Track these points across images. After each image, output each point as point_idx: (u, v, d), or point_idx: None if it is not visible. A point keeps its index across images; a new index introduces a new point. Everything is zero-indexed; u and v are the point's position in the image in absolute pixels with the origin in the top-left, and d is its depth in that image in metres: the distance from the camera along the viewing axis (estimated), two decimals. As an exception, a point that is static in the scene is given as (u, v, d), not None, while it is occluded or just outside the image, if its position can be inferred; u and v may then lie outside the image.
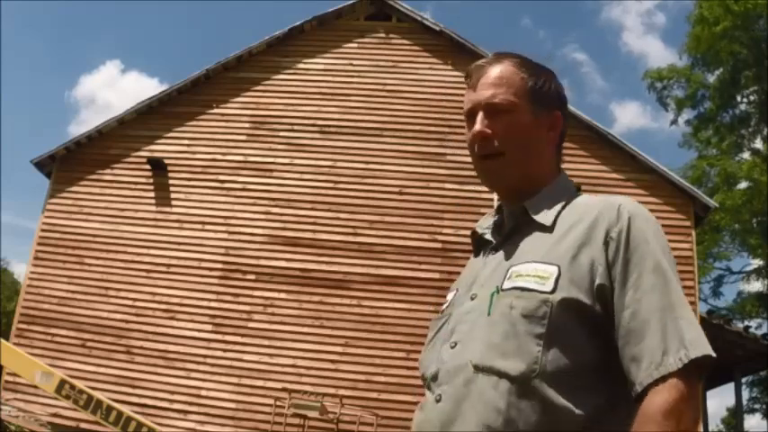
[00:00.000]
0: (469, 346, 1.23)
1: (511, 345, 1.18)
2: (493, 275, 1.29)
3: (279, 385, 8.54)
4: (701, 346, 1.14)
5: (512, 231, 1.34)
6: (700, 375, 1.13)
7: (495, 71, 1.37)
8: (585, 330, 1.18)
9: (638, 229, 1.22)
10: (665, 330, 1.13)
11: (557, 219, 1.30)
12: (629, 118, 62.14)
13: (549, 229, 1.28)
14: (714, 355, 1.15)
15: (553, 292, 1.19)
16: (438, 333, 1.36)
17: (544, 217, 1.30)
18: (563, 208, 1.31)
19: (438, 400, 1.23)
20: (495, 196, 1.60)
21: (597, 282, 1.19)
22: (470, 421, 1.16)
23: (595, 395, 1.15)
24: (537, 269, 1.22)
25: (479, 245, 1.43)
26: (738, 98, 21.58)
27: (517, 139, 1.34)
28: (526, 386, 1.15)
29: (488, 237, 1.40)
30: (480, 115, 1.35)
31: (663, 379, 1.10)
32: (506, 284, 1.23)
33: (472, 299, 1.30)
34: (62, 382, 6.57)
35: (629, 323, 1.15)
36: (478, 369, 1.19)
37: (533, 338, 1.17)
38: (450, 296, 1.43)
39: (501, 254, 1.32)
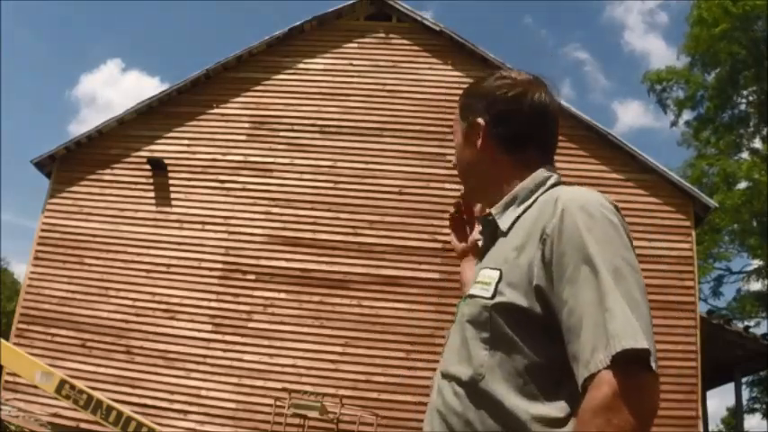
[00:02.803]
0: (444, 355, 1.32)
1: (464, 350, 1.24)
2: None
3: (279, 385, 8.54)
4: (626, 337, 1.06)
5: (489, 238, 1.37)
6: (642, 368, 1.06)
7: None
8: (532, 332, 1.17)
9: (570, 222, 1.18)
10: (596, 325, 1.09)
11: (515, 222, 1.30)
12: (631, 117, 62.18)
13: (505, 233, 1.31)
14: (643, 345, 1.05)
15: (492, 297, 1.21)
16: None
17: (503, 222, 1.33)
18: (525, 209, 1.30)
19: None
20: None
21: (534, 282, 1.18)
22: (439, 425, 1.23)
23: (559, 395, 1.14)
24: (485, 275, 1.26)
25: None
26: (737, 98, 21.60)
27: (458, 158, 1.45)
28: (475, 389, 1.19)
29: (481, 243, 1.45)
30: None
31: (595, 377, 1.06)
32: (469, 292, 1.29)
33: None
34: (62, 382, 6.57)
35: (568, 320, 1.12)
36: (443, 376, 1.27)
37: (480, 343, 1.21)
38: None
39: (483, 261, 1.37)
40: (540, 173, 1.36)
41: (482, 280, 1.26)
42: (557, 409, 1.13)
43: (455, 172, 1.48)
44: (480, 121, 1.39)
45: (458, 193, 1.56)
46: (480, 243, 1.44)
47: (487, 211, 1.37)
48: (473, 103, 1.42)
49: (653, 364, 1.06)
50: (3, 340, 6.91)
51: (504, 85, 1.39)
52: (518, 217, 1.31)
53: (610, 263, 1.12)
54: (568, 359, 1.13)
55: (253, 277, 9.46)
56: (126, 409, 6.76)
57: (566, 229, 1.17)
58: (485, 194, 1.42)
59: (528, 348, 1.17)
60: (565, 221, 1.18)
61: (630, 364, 1.05)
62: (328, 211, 9.68)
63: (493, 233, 1.35)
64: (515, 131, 1.37)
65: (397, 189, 9.69)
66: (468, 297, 1.28)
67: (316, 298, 9.25)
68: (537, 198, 1.31)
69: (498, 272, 1.23)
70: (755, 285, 21.43)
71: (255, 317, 9.26)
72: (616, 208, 1.24)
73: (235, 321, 9.24)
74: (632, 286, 1.12)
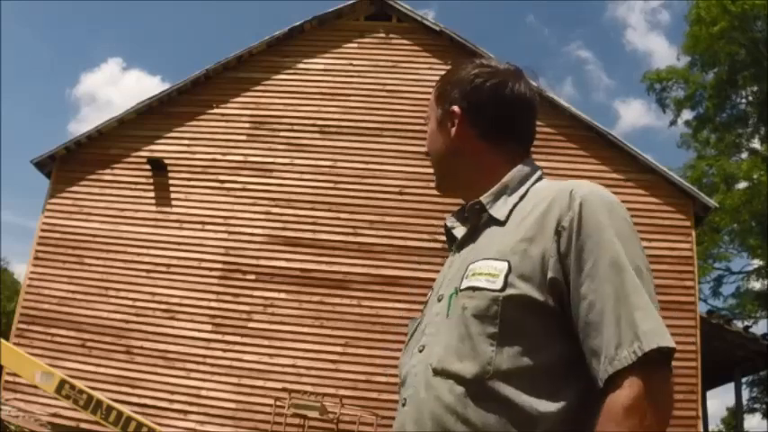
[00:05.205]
0: (432, 350, 1.22)
1: (466, 346, 1.16)
2: (455, 275, 1.27)
3: (279, 385, 8.54)
4: (657, 336, 1.06)
5: (473, 228, 1.32)
6: (664, 367, 1.08)
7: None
8: (543, 327, 1.14)
9: (590, 216, 1.15)
10: (618, 322, 1.08)
11: (511, 211, 1.26)
12: (633, 116, 62.16)
13: (502, 223, 1.26)
14: (672, 345, 1.07)
15: (503, 289, 1.15)
16: (413, 336, 1.37)
17: (498, 211, 1.28)
18: (520, 199, 1.28)
19: (404, 404, 1.23)
20: None
21: (549, 275, 1.14)
22: (429, 425, 1.15)
23: (565, 392, 1.12)
24: (489, 266, 1.19)
25: (451, 241, 1.41)
26: (736, 98, 21.62)
27: (430, 145, 1.42)
28: (481, 388, 1.13)
29: (456, 232, 1.37)
30: None
31: (621, 374, 1.05)
32: (464, 284, 1.21)
33: (439, 300, 1.29)
34: (62, 382, 6.57)
35: (587, 315, 1.10)
36: (436, 372, 1.18)
37: (486, 339, 1.14)
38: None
39: (464, 251, 1.30)
40: (527, 163, 1.35)
41: (485, 272, 1.19)
42: (564, 406, 1.11)
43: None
44: (456, 108, 1.36)
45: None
46: (458, 234, 1.36)
47: (478, 199, 1.31)
48: (449, 90, 1.39)
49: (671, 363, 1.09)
50: (3, 340, 6.90)
51: (483, 74, 1.36)
52: (513, 206, 1.27)
53: (633, 261, 1.12)
54: (576, 355, 1.12)
55: (253, 277, 9.46)
56: (126, 409, 6.76)
57: (586, 223, 1.15)
58: (456, 183, 1.38)
59: (537, 344, 1.13)
60: (584, 215, 1.15)
61: (656, 363, 1.06)
62: (328, 211, 9.68)
63: (477, 223, 1.31)
64: (494, 121, 1.35)
65: (397, 189, 9.69)
66: (467, 289, 1.20)
67: (316, 298, 9.25)
68: (528, 189, 1.29)
69: (506, 263, 1.17)
70: (755, 286, 21.47)
71: (255, 317, 9.26)
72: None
73: (235, 321, 9.24)
74: (652, 288, 1.13)
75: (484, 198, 1.30)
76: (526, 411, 1.10)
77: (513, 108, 1.35)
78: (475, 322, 1.16)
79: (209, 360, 9.07)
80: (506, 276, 1.16)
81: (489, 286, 1.17)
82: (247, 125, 10.31)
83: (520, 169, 1.33)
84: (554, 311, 1.14)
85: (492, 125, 1.35)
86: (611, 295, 1.09)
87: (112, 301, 9.46)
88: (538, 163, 1.38)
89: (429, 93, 1.48)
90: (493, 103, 1.34)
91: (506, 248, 1.20)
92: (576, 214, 1.16)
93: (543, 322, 1.14)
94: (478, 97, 1.35)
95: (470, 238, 1.31)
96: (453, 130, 1.36)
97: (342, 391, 8.55)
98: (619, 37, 59.58)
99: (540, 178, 1.33)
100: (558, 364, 1.13)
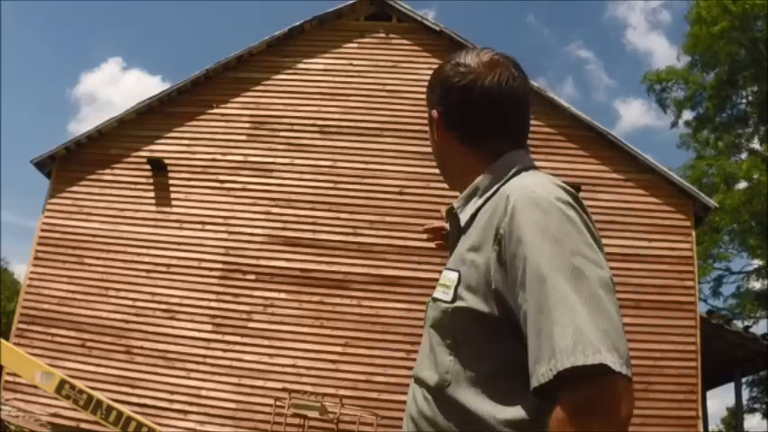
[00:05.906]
0: (417, 358, 1.29)
1: (431, 355, 1.21)
2: None
3: (279, 385, 8.54)
4: (575, 354, 0.97)
5: (456, 233, 1.29)
6: (598, 382, 0.96)
7: None
8: (495, 336, 1.12)
9: (519, 219, 1.09)
10: (539, 336, 1.01)
11: (474, 216, 1.23)
12: (633, 116, 62.19)
13: (464, 229, 1.24)
14: (595, 361, 0.96)
15: (453, 301, 1.16)
16: None
17: (463, 216, 1.26)
18: (485, 202, 1.22)
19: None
20: None
21: (493, 286, 1.12)
22: (410, 426, 1.24)
23: (526, 400, 1.07)
24: (446, 277, 1.20)
25: None
26: (736, 98, 21.62)
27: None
28: (442, 395, 1.16)
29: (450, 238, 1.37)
30: None
31: (552, 389, 0.99)
32: (434, 293, 1.24)
33: None
34: (62, 382, 6.56)
35: (525, 326, 1.05)
36: (415, 380, 1.26)
37: (445, 348, 1.18)
38: None
39: (449, 260, 1.29)
40: (503, 160, 1.27)
41: (443, 282, 1.20)
42: (526, 411, 1.08)
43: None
44: (434, 113, 1.34)
45: (457, 193, 1.46)
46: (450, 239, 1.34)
47: (451, 204, 1.29)
48: (429, 93, 1.38)
49: (621, 369, 0.97)
50: (3, 340, 6.90)
51: (457, 74, 1.31)
52: (477, 210, 1.23)
53: (565, 263, 1.04)
54: None
55: (253, 277, 9.46)
56: (126, 409, 6.75)
57: (516, 228, 1.09)
58: (455, 185, 1.36)
59: (493, 352, 1.12)
60: (515, 220, 1.09)
61: (588, 378, 0.96)
62: (328, 211, 9.68)
63: (457, 228, 1.28)
64: (469, 122, 1.30)
65: (397, 189, 9.69)
66: (432, 300, 1.23)
67: (316, 298, 9.25)
68: (498, 188, 1.22)
69: (457, 273, 1.17)
70: (755, 285, 21.48)
71: (255, 317, 9.26)
72: (575, 198, 1.14)
73: (235, 321, 9.24)
74: (594, 284, 1.03)
75: (456, 202, 1.29)
76: (483, 418, 1.10)
77: (486, 104, 1.28)
78: (435, 332, 1.21)
79: (209, 360, 9.07)
80: (456, 287, 1.17)
81: (443, 297, 1.19)
82: (247, 125, 10.31)
83: (494, 167, 1.27)
84: (503, 321, 1.11)
85: (467, 126, 1.30)
86: (534, 308, 1.03)
87: (112, 301, 9.46)
88: (538, 163, 1.33)
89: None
90: (464, 104, 1.29)
91: (458, 257, 1.21)
92: (509, 219, 1.10)
93: (495, 332, 1.12)
94: (450, 100, 1.31)
95: (454, 243, 1.29)
96: (435, 135, 1.35)
97: (342, 391, 8.55)
98: (619, 37, 59.60)
99: (520, 171, 1.25)
100: (516, 372, 1.07)
